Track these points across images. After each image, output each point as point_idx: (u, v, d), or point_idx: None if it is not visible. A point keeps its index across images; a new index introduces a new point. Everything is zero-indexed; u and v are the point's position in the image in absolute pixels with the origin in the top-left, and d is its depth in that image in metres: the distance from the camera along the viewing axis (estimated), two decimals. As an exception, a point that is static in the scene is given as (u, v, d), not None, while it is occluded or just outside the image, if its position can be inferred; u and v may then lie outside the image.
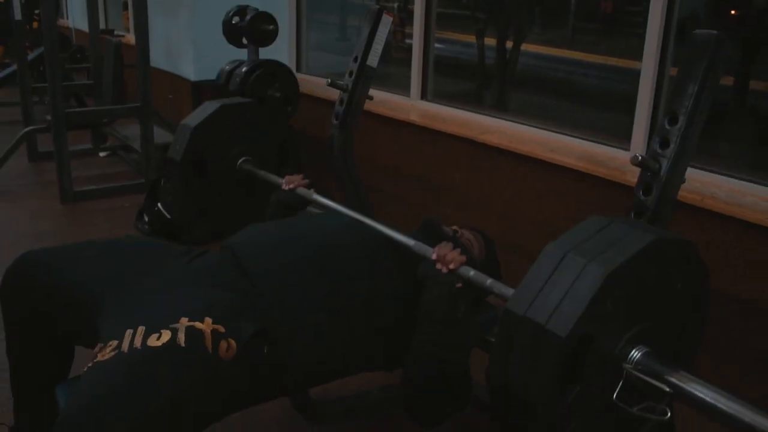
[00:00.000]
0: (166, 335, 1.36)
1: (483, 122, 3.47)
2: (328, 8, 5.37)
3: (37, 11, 6.74)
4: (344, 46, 5.13)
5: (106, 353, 1.34)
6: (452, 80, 4.21)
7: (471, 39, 4.15)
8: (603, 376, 1.30)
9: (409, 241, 1.77)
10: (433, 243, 1.84)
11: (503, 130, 3.31)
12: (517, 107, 3.73)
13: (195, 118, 2.65)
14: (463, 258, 1.67)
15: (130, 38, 4.75)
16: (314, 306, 1.61)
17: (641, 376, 1.27)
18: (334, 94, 2.81)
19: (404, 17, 4.31)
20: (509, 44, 3.83)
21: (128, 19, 7.19)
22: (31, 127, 5.08)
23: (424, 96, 3.92)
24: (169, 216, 3.83)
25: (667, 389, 1.24)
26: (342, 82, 2.69)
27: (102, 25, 7.15)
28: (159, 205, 3.88)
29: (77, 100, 6.26)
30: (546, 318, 1.21)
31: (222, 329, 1.42)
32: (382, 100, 3.92)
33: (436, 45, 3.92)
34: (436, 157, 3.50)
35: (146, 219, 3.94)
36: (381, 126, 3.78)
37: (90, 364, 1.36)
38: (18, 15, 5.21)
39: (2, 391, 1.87)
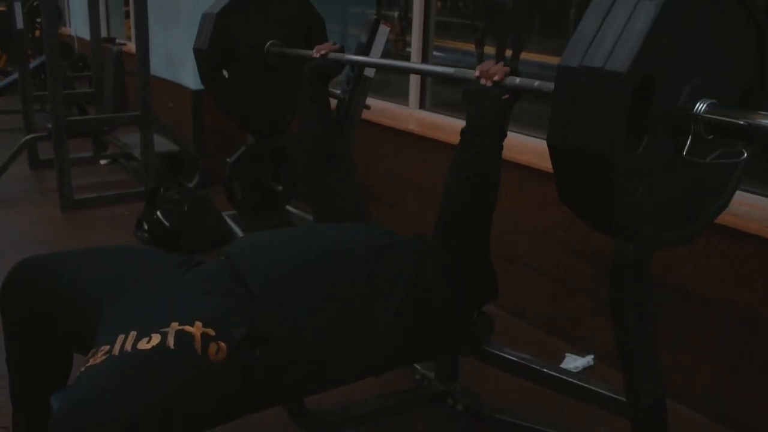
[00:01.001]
0: (155, 338, 1.38)
1: (481, 131, 3.47)
2: (327, 17, 5.38)
3: (39, 19, 6.76)
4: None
5: (97, 358, 1.36)
6: (451, 89, 4.22)
7: (470, 47, 4.16)
8: (671, 131, 1.27)
9: (448, 69, 1.79)
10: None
11: (501, 139, 3.31)
12: (516, 116, 3.73)
13: (217, 4, 2.62)
14: (507, 69, 1.67)
15: (132, 46, 4.76)
16: (314, 308, 1.61)
17: (713, 116, 1.22)
18: (333, 102, 2.82)
19: (405, 26, 4.33)
20: (508, 53, 3.85)
21: (130, 27, 7.22)
22: (32, 135, 5.10)
23: (422, 105, 3.93)
24: (168, 224, 3.85)
25: (742, 122, 1.20)
26: (339, 92, 2.70)
27: (104, 34, 7.18)
28: (158, 213, 3.90)
29: (78, 108, 6.29)
30: (603, 60, 1.16)
31: (212, 332, 1.42)
32: (380, 109, 3.93)
33: (436, 54, 3.93)
34: (435, 166, 3.51)
35: (146, 227, 3.95)
36: (379, 135, 3.79)
37: (82, 369, 1.37)
38: (20, 23, 5.23)
39: (2, 396, 1.88)
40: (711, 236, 2.38)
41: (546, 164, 2.91)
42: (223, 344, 1.42)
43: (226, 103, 2.77)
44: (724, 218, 2.30)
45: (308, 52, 2.35)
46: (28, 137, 5.06)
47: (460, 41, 4.36)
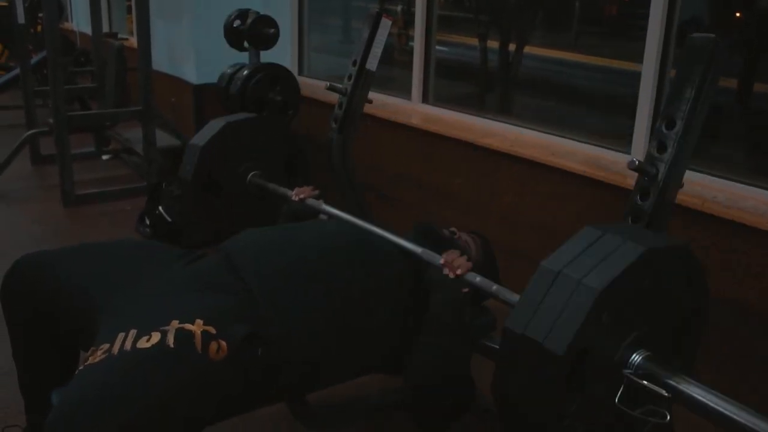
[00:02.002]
0: (155, 337, 1.37)
1: (484, 126, 3.46)
2: (330, 11, 5.37)
3: (40, 14, 6.75)
4: (347, 48, 5.13)
5: (96, 356, 1.35)
6: (454, 83, 4.21)
7: (473, 42, 4.14)
8: (604, 383, 1.32)
9: (416, 249, 1.80)
10: (432, 246, 1.85)
11: (505, 134, 3.30)
12: (520, 111, 3.72)
13: (202, 137, 2.69)
14: (470, 264, 1.71)
15: (134, 41, 4.75)
16: (309, 307, 1.61)
17: (640, 381, 1.29)
18: (336, 97, 2.81)
19: (408, 20, 4.31)
20: (512, 47, 3.83)
21: (132, 22, 7.20)
22: (33, 130, 5.09)
23: (425, 99, 3.91)
24: (170, 219, 3.84)
25: (666, 394, 1.26)
26: (341, 86, 2.69)
27: (106, 29, 7.17)
28: (160, 208, 3.89)
29: (80, 103, 6.27)
30: (543, 335, 1.24)
31: (213, 330, 1.42)
32: (383, 103, 3.91)
33: (439, 48, 3.91)
34: (438, 161, 3.50)
35: (148, 222, 3.95)
36: (382, 129, 3.77)
37: (81, 367, 1.36)
38: (21, 18, 5.22)
39: (15, 393, 1.88)
40: (717, 230, 2.36)
41: (550, 158, 2.92)
42: (223, 343, 1.41)
43: (213, 226, 2.87)
44: (729, 212, 2.30)
45: (287, 192, 2.42)
46: (29, 133, 5.05)
47: (464, 35, 4.33)
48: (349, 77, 2.67)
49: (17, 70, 5.86)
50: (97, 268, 1.69)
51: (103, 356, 1.34)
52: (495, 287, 1.64)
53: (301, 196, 2.30)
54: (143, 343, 1.35)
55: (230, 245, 1.75)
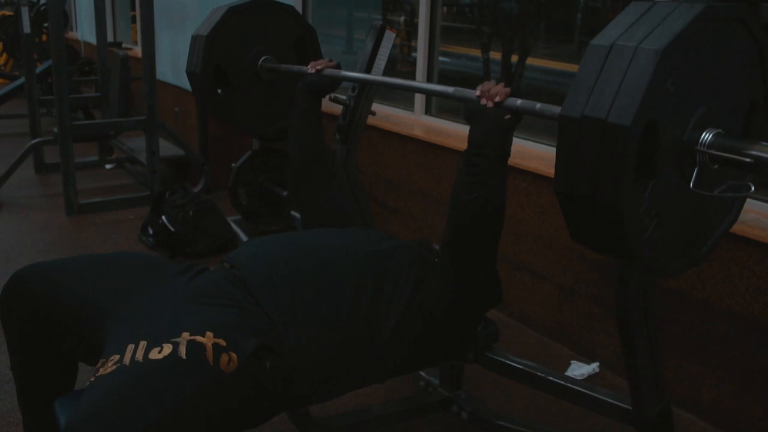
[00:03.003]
0: (167, 348, 1.37)
1: (487, 137, 3.47)
2: (334, 22, 5.39)
3: (45, 24, 6.78)
4: (350, 58, 5.15)
5: (108, 367, 1.35)
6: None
7: (476, 53, 4.16)
8: (677, 165, 1.27)
9: (448, 88, 1.77)
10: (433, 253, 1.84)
11: (507, 145, 3.31)
12: (522, 122, 3.73)
13: (206, 26, 2.60)
14: (508, 89, 1.65)
15: (138, 51, 4.77)
16: (318, 318, 1.61)
17: (717, 153, 1.23)
18: (339, 108, 2.81)
19: (410, 31, 4.33)
20: (515, 58, 3.84)
21: (136, 32, 7.23)
22: (38, 139, 5.11)
23: (428, 111, 3.92)
24: (173, 229, 3.85)
25: (748, 160, 1.20)
26: (344, 98, 2.70)
27: (110, 38, 7.20)
28: (163, 217, 3.90)
29: (84, 112, 6.30)
30: (606, 111, 1.16)
31: (223, 343, 1.42)
32: (386, 114, 3.92)
33: (441, 59, 3.93)
34: (440, 172, 3.51)
35: (151, 231, 3.96)
36: (385, 141, 3.79)
37: (92, 379, 1.36)
38: (27, 28, 5.25)
39: (13, 403, 1.88)
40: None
41: (552, 170, 2.92)
42: (234, 355, 1.41)
43: (225, 119, 2.77)
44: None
45: (303, 68, 2.31)
46: (33, 141, 5.07)
47: (467, 47, 4.35)
48: (353, 89, 2.67)
49: (22, 79, 5.89)
50: (98, 279, 1.68)
51: (115, 367, 1.34)
52: (538, 106, 1.55)
53: (318, 66, 2.20)
54: (155, 355, 1.35)
55: (235, 257, 1.75)
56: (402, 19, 4.64)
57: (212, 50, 2.56)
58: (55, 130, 4.49)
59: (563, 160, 1.25)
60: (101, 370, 1.35)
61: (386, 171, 3.84)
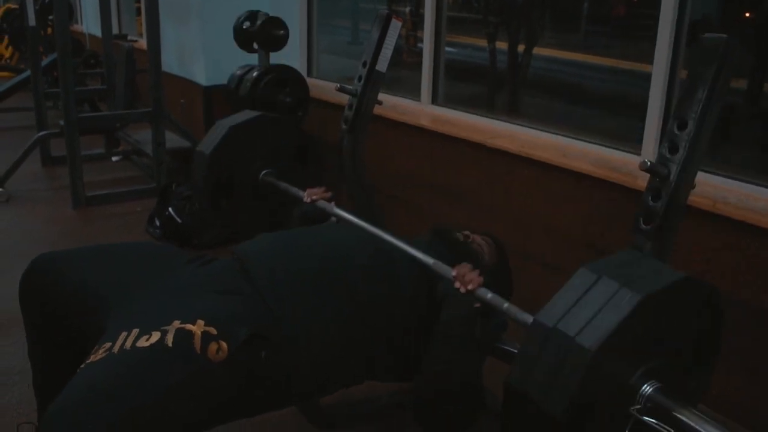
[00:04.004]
0: (155, 336, 1.38)
1: (494, 127, 3.46)
2: (339, 12, 5.38)
3: (50, 17, 6.78)
4: (356, 49, 5.14)
5: (98, 355, 1.36)
6: (463, 84, 4.20)
7: (483, 43, 4.14)
8: (613, 422, 1.32)
9: (428, 260, 1.79)
10: (445, 249, 1.84)
11: (515, 135, 3.30)
12: (529, 111, 3.71)
13: (209, 143, 2.67)
14: (481, 279, 1.69)
15: (143, 43, 4.77)
16: (320, 313, 1.61)
17: (647, 420, 1.28)
18: (345, 98, 2.81)
19: (416, 21, 4.31)
20: (521, 48, 3.82)
21: (141, 24, 7.22)
22: (44, 132, 5.11)
23: (434, 100, 3.91)
24: (179, 220, 3.85)
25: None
26: (351, 87, 2.69)
27: (115, 31, 7.19)
28: (170, 209, 3.90)
29: (90, 105, 6.30)
30: (576, 331, 1.23)
31: (214, 331, 1.42)
32: (392, 104, 3.91)
33: (448, 49, 3.91)
34: (447, 162, 3.49)
35: (157, 223, 3.96)
36: (391, 131, 3.77)
37: (82, 366, 1.36)
38: (32, 21, 5.24)
39: (27, 392, 1.89)
40: (728, 231, 2.35)
41: (562, 160, 2.92)
42: (224, 344, 1.41)
43: (228, 227, 2.90)
44: (741, 214, 2.29)
45: (299, 193, 2.39)
46: (40, 134, 5.07)
47: (473, 36, 4.33)
48: (359, 79, 2.66)
49: (28, 72, 5.89)
50: (111, 269, 1.70)
51: (104, 354, 1.36)
52: (506, 305, 1.62)
53: (314, 197, 2.29)
54: (142, 342, 1.36)
55: (244, 249, 1.75)
56: (407, 9, 4.62)
57: (215, 167, 2.65)
58: (62, 122, 4.48)
59: (523, 360, 1.32)
60: (92, 357, 1.36)
61: (393, 161, 3.83)
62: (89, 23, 8.88)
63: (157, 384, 1.32)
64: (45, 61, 6.03)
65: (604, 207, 2.73)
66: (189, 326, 1.40)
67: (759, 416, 2.36)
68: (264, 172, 2.69)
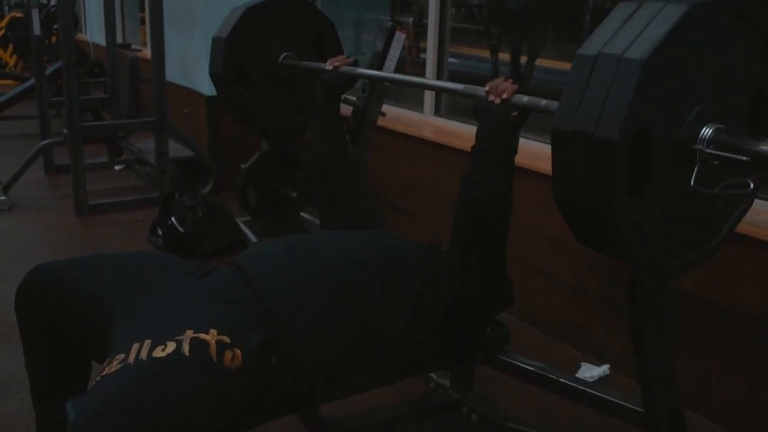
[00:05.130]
0: (170, 346, 1.37)
1: (496, 138, 3.46)
2: (342, 23, 5.39)
3: (55, 26, 6.81)
4: (359, 60, 5.15)
5: (113, 366, 1.35)
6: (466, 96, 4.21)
7: (485, 54, 4.15)
8: (677, 163, 1.25)
9: (458, 85, 1.80)
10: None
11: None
12: (532, 123, 3.72)
13: (224, 28, 2.62)
14: (515, 87, 1.68)
15: (147, 53, 4.78)
16: (325, 316, 1.61)
17: (714, 152, 1.21)
18: (349, 109, 2.81)
19: (419, 32, 4.33)
20: (524, 59, 3.83)
21: (145, 33, 7.25)
22: (47, 141, 5.13)
23: (437, 112, 3.92)
24: (182, 230, 3.86)
25: (745, 158, 1.18)
26: (354, 99, 2.70)
27: (120, 40, 7.22)
28: (173, 218, 3.91)
29: (94, 113, 6.32)
30: (594, 125, 1.16)
31: (227, 339, 1.42)
32: (395, 116, 3.92)
33: (451, 60, 3.92)
34: (450, 173, 3.49)
35: (160, 233, 3.97)
36: (394, 142, 3.78)
37: (97, 378, 1.36)
38: (37, 30, 5.27)
39: (25, 403, 1.89)
40: (727, 244, 2.35)
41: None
42: (238, 351, 1.41)
43: (244, 117, 2.80)
44: (740, 227, 2.29)
45: (321, 65, 2.34)
46: (43, 143, 5.09)
47: (476, 48, 4.35)
48: (363, 89, 2.67)
49: (32, 81, 5.91)
50: (112, 278, 1.70)
51: (119, 366, 1.35)
52: (544, 102, 1.57)
53: (336, 63, 2.25)
54: (159, 353, 1.36)
55: (244, 259, 1.76)
56: (411, 20, 4.64)
57: (232, 52, 2.59)
58: (65, 131, 4.50)
59: (559, 172, 1.26)
60: (106, 369, 1.36)
61: (396, 172, 3.83)
62: (93, 32, 8.91)
63: (177, 394, 1.32)
64: (49, 70, 6.05)
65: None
66: (203, 335, 1.40)
67: (765, 424, 2.35)
68: (284, 55, 2.65)
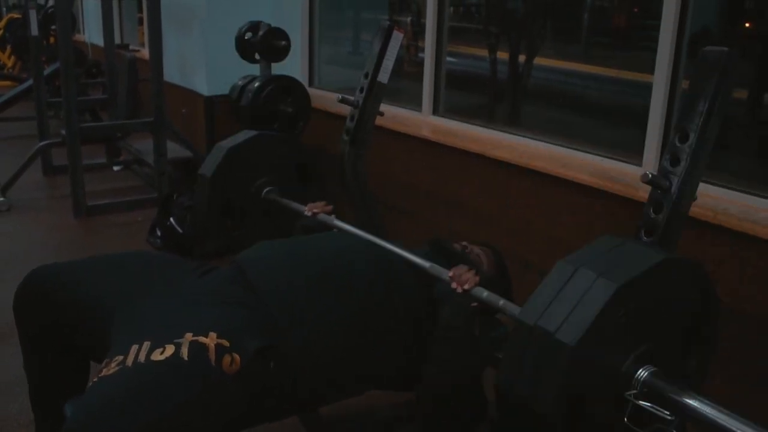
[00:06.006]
0: (169, 349, 1.37)
1: (495, 137, 3.46)
2: (341, 23, 5.39)
3: (53, 27, 6.80)
4: (356, 59, 5.15)
5: (111, 368, 1.35)
6: (464, 94, 4.21)
7: (484, 53, 4.14)
8: (610, 407, 1.31)
9: (425, 263, 1.80)
10: (443, 260, 1.84)
11: (515, 146, 3.30)
12: (530, 122, 3.72)
13: (209, 166, 2.69)
14: (477, 278, 1.70)
15: (145, 53, 4.78)
16: (324, 320, 1.61)
17: (644, 404, 1.27)
18: (347, 108, 2.81)
19: (417, 31, 4.32)
20: (522, 58, 3.83)
21: (143, 34, 7.24)
22: (45, 142, 5.12)
23: (435, 111, 3.91)
24: (181, 231, 3.85)
25: (669, 417, 1.25)
26: (353, 98, 2.69)
27: (118, 40, 7.21)
28: (171, 219, 3.91)
29: (92, 114, 6.31)
30: (555, 327, 1.22)
31: (226, 343, 1.42)
32: (393, 115, 3.91)
33: (449, 59, 3.92)
34: (448, 173, 3.50)
35: (159, 233, 3.96)
36: (392, 141, 3.78)
37: (95, 379, 1.36)
38: (35, 30, 5.26)
39: (24, 405, 1.89)
40: (729, 243, 2.35)
41: (559, 170, 2.92)
42: (237, 356, 1.41)
43: (230, 246, 2.88)
44: (742, 225, 2.29)
45: (301, 208, 2.43)
46: (41, 144, 5.08)
47: (474, 47, 4.34)
48: (361, 90, 2.67)
49: (30, 82, 5.90)
50: (111, 280, 1.70)
51: (117, 368, 1.35)
52: (502, 302, 1.62)
53: (315, 210, 2.32)
54: (157, 356, 1.36)
55: (244, 258, 1.76)
56: (409, 19, 4.63)
57: (217, 190, 2.66)
58: (63, 132, 4.49)
59: (509, 360, 1.33)
60: (104, 370, 1.36)
61: (394, 172, 3.83)
62: (91, 33, 8.89)
63: (174, 398, 1.32)
64: (47, 71, 6.04)
65: (604, 217, 2.73)
66: (202, 339, 1.40)
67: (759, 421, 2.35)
68: (266, 190, 2.70)
